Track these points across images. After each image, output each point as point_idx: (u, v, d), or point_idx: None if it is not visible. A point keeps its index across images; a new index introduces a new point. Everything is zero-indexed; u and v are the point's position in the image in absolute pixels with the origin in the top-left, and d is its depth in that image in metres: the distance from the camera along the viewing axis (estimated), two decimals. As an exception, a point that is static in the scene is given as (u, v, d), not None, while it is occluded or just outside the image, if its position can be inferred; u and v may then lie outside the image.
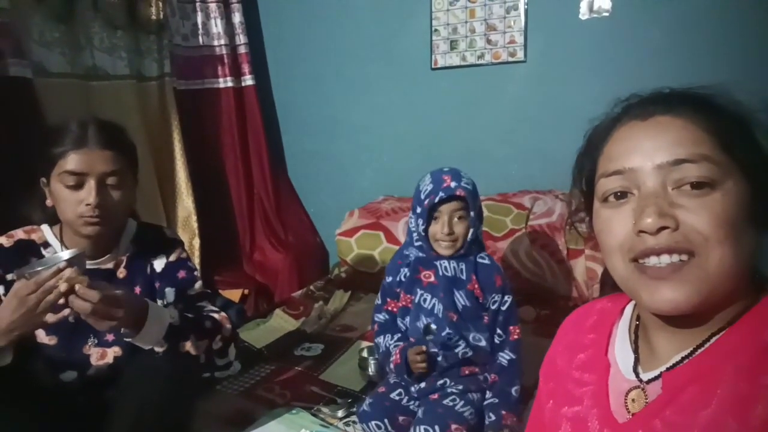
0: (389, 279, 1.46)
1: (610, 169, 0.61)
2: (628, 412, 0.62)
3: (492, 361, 1.37)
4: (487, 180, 2.37)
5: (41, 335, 1.22)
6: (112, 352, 1.25)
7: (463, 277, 1.37)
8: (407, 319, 1.42)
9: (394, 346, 1.38)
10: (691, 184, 0.55)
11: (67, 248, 1.23)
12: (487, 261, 1.40)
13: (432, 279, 1.39)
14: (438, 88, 2.59)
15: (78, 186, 1.15)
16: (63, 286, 1.00)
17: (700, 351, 0.58)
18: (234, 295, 2.44)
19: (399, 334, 1.42)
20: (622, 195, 0.60)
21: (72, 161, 1.14)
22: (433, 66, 2.58)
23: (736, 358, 0.54)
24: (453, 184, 1.31)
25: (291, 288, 2.51)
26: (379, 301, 1.47)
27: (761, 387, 0.51)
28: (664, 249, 0.55)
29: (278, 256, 2.70)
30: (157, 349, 1.14)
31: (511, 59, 2.42)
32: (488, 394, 1.35)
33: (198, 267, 2.43)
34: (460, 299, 1.37)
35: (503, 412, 1.28)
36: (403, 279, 1.43)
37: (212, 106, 2.74)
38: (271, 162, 2.87)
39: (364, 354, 1.65)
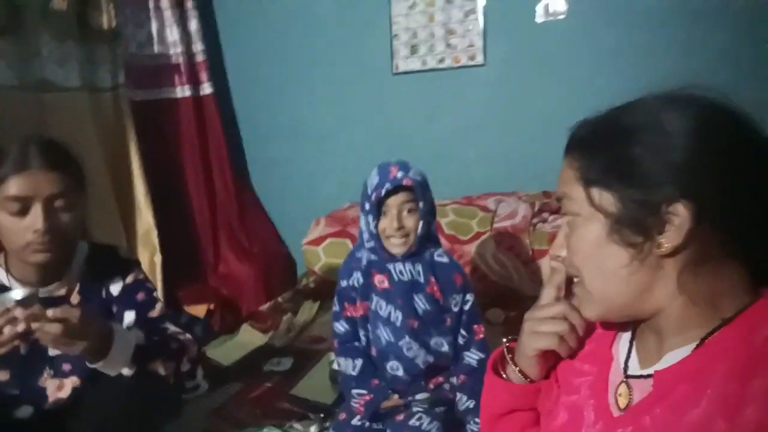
0: (343, 283, 1.38)
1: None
2: (619, 407, 0.63)
3: (457, 362, 1.34)
4: (452, 183, 2.39)
5: None
6: (70, 383, 1.19)
7: (421, 279, 1.31)
8: (368, 327, 1.35)
9: (358, 394, 1.31)
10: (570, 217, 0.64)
11: (13, 277, 1.16)
12: (444, 259, 1.34)
13: (386, 284, 1.31)
14: (400, 92, 2.59)
15: (23, 212, 1.07)
16: (20, 327, 0.94)
17: (692, 351, 0.58)
18: (199, 310, 2.38)
19: (360, 360, 1.35)
20: None
21: (14, 186, 1.06)
22: (394, 71, 2.57)
23: (727, 359, 0.55)
24: (400, 174, 1.24)
25: (258, 300, 2.47)
26: (337, 308, 1.39)
27: (752, 389, 0.52)
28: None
29: (243, 268, 2.65)
30: (125, 372, 1.09)
31: (471, 63, 2.44)
32: (460, 397, 1.31)
33: (160, 283, 2.37)
34: (420, 304, 1.31)
35: (476, 419, 1.26)
36: (356, 284, 1.35)
37: (170, 116, 2.67)
38: (233, 171, 2.82)
39: (335, 366, 1.63)
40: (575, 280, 0.67)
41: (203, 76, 2.74)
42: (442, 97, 2.53)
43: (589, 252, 0.62)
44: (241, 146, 3.02)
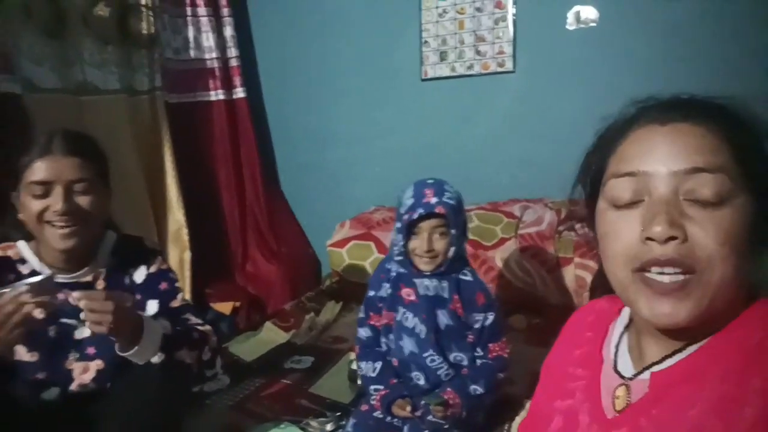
0: (372, 293, 1.42)
1: (623, 170, 0.59)
2: (615, 409, 0.63)
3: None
4: (478, 189, 2.39)
5: (22, 353, 1.20)
6: (95, 366, 1.24)
7: (445, 295, 1.33)
8: (391, 336, 1.38)
9: (375, 390, 1.33)
10: (704, 195, 0.54)
11: (45, 263, 1.22)
12: (469, 277, 1.36)
13: (413, 297, 1.35)
14: (428, 98, 2.61)
15: (45, 195, 1.13)
16: (27, 309, 0.98)
17: (689, 353, 0.58)
18: (225, 308, 2.43)
19: (380, 363, 1.38)
20: (631, 198, 0.58)
21: (38, 170, 1.13)
22: (423, 77, 2.59)
23: (724, 361, 0.54)
24: (434, 200, 1.25)
25: (283, 299, 2.50)
26: (363, 315, 1.44)
27: (749, 389, 0.51)
28: (669, 261, 0.54)
29: (270, 268, 2.70)
30: (154, 360, 1.13)
31: (500, 69, 2.44)
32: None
33: (189, 279, 2.43)
34: (443, 319, 1.33)
35: (448, 389, 1.25)
36: (385, 295, 1.39)
37: (204, 119, 2.75)
38: (263, 174, 2.88)
39: (353, 366, 1.64)
40: (682, 275, 0.54)
41: (236, 81, 2.82)
42: (471, 103, 2.53)
43: (739, 239, 0.54)
44: (272, 150, 3.08)
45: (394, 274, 1.38)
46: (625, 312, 0.72)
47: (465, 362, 1.34)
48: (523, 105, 2.43)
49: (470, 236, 2.21)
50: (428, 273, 1.33)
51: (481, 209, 2.33)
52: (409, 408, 1.26)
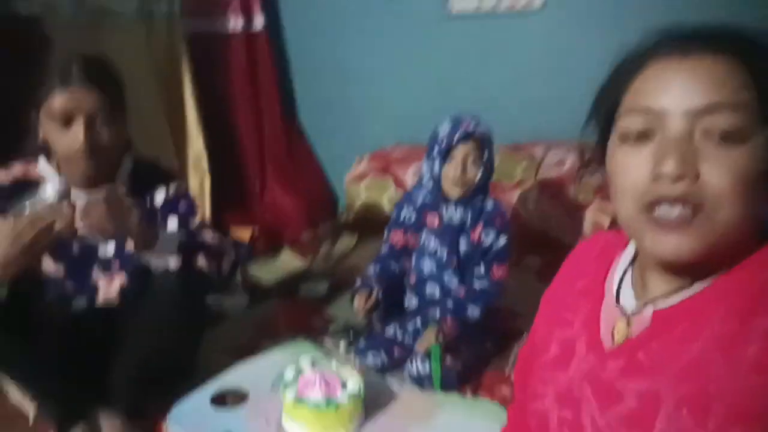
0: (395, 214, 1.52)
1: (637, 106, 0.56)
2: (614, 341, 0.62)
3: (469, 285, 1.41)
4: (500, 129, 2.31)
5: (49, 265, 1.26)
6: (119, 279, 1.29)
7: (468, 223, 1.42)
8: (414, 259, 1.47)
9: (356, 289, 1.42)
10: (722, 134, 0.51)
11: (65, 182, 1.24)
12: (492, 205, 1.45)
13: (436, 223, 1.44)
14: (453, 34, 2.52)
15: (66, 124, 1.15)
16: (59, 224, 1.02)
17: (694, 291, 0.57)
18: (244, 234, 2.48)
19: (380, 267, 1.47)
20: (643, 136, 0.55)
21: (59, 100, 1.14)
22: (448, 12, 2.50)
23: (730, 300, 0.54)
24: (472, 126, 1.36)
25: (300, 229, 2.54)
26: (385, 235, 1.53)
27: (754, 328, 0.50)
28: (678, 199, 0.52)
29: (288, 199, 2.72)
30: (172, 264, 1.17)
31: (528, 6, 2.34)
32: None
33: (209, 206, 2.48)
34: (463, 245, 1.42)
35: (447, 317, 1.32)
36: (410, 219, 1.48)
37: (223, 49, 2.69)
38: (282, 106, 2.85)
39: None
40: (689, 212, 0.53)
41: (256, 8, 2.74)
42: (497, 40, 2.45)
43: (753, 180, 0.52)
44: (291, 83, 3.03)
45: (420, 200, 1.47)
46: (632, 246, 0.70)
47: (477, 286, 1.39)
48: (551, 43, 2.34)
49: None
50: (455, 200, 1.40)
51: (503, 149, 2.30)
52: (364, 300, 1.34)
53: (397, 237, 1.50)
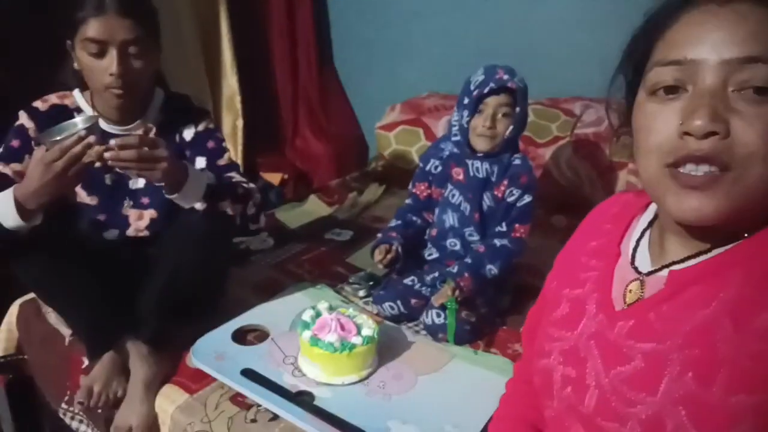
0: (421, 165, 1.50)
1: (668, 57, 0.54)
2: (625, 302, 0.63)
3: (485, 241, 1.39)
4: (539, 82, 2.22)
5: (83, 196, 1.31)
6: (148, 215, 1.33)
7: (493, 179, 1.39)
8: (437, 211, 1.46)
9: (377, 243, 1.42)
10: (756, 88, 0.49)
11: (98, 113, 1.26)
12: (520, 162, 1.41)
13: (461, 177, 1.42)
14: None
15: (100, 54, 1.16)
16: (90, 157, 1.03)
17: (713, 255, 0.56)
18: (274, 178, 2.52)
19: (401, 222, 1.47)
20: (673, 89, 0.53)
21: (93, 28, 1.14)
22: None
23: (748, 265, 0.53)
24: (506, 77, 1.31)
25: (329, 176, 2.56)
26: (411, 186, 1.52)
27: (767, 297, 0.50)
28: (704, 157, 0.50)
29: (319, 145, 2.73)
30: (198, 206, 1.20)
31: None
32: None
33: (241, 147, 2.51)
34: (487, 201, 1.40)
35: (466, 274, 1.30)
36: (435, 171, 1.46)
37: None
38: (317, 48, 2.81)
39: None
40: (717, 170, 0.51)
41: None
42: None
43: None
44: (328, 23, 2.97)
45: (447, 152, 1.44)
46: (652, 207, 0.69)
47: (498, 243, 1.38)
48: (601, -9, 2.22)
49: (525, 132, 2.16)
50: (482, 154, 1.37)
51: (539, 104, 2.23)
52: (384, 255, 1.35)
53: (421, 189, 1.49)
